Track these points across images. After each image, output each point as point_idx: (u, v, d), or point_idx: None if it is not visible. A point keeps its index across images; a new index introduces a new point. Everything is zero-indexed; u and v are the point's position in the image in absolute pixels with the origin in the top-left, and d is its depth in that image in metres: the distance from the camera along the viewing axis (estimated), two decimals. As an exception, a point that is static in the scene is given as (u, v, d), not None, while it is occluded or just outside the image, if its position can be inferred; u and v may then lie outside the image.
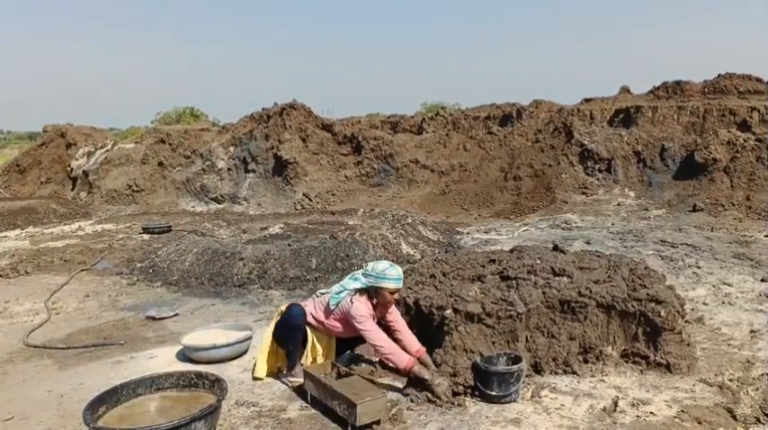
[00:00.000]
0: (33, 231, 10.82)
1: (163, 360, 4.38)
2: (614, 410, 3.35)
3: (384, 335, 3.71)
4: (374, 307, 3.81)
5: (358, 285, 3.83)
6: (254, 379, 3.96)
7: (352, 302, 3.75)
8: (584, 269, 4.42)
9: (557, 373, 3.87)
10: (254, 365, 4.03)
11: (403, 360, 3.61)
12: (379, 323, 3.81)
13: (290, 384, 3.81)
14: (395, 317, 3.91)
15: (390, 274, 3.76)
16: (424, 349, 3.83)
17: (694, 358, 3.98)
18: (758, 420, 3.20)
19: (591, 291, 4.03)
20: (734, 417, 3.24)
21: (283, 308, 3.99)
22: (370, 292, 3.81)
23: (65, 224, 11.70)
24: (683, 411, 3.32)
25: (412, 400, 3.51)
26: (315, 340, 3.91)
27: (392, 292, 3.78)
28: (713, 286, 5.90)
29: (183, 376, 3.44)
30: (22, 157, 17.36)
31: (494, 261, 4.70)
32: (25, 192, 15.87)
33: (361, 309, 3.73)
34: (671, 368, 3.83)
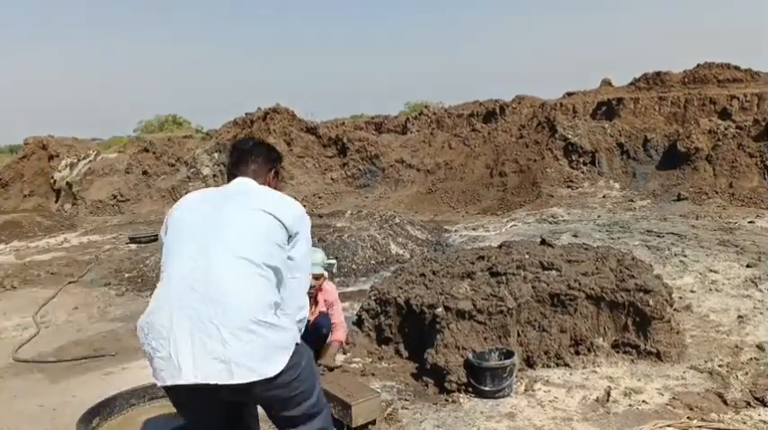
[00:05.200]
0: (18, 245, 10.71)
1: (155, 369, 4.35)
2: (607, 400, 3.38)
3: None
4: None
5: None
6: None
7: None
8: (573, 262, 4.46)
9: (549, 366, 3.90)
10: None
11: None
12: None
13: None
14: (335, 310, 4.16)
15: None
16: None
17: (684, 346, 4.03)
18: (748, 404, 3.25)
19: (580, 284, 4.06)
20: (724, 402, 3.29)
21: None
22: None
23: (50, 237, 11.58)
24: (674, 398, 3.36)
25: None
26: None
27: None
28: (700, 274, 5.96)
29: (176, 385, 3.42)
30: (4, 171, 17.13)
31: (482, 257, 4.72)
32: (8, 207, 15.67)
33: None
34: (661, 356, 3.87)
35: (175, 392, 2.04)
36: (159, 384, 2.01)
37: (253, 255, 2.06)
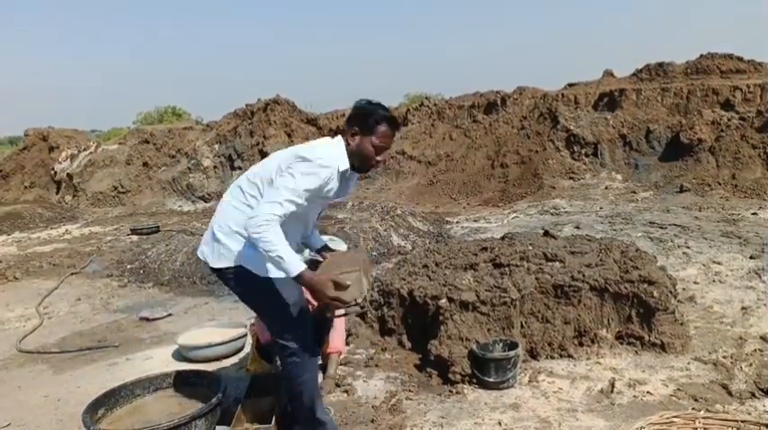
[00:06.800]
0: (20, 236, 10.71)
1: (159, 360, 4.36)
2: (612, 391, 3.38)
3: None
4: None
5: None
6: (247, 371, 3.97)
7: None
8: (576, 253, 4.44)
9: (553, 358, 3.90)
10: (249, 361, 4.03)
11: None
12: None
13: None
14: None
15: None
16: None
17: (688, 337, 4.02)
18: (753, 395, 3.25)
19: (584, 275, 4.05)
20: (729, 393, 3.29)
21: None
22: None
23: (51, 228, 11.58)
24: (679, 389, 3.36)
25: None
26: None
27: None
28: (703, 265, 5.95)
29: (180, 375, 3.43)
30: (5, 162, 17.12)
31: (486, 249, 4.71)
32: (9, 198, 15.67)
33: None
34: (665, 347, 3.87)
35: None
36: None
37: (242, 186, 2.71)
